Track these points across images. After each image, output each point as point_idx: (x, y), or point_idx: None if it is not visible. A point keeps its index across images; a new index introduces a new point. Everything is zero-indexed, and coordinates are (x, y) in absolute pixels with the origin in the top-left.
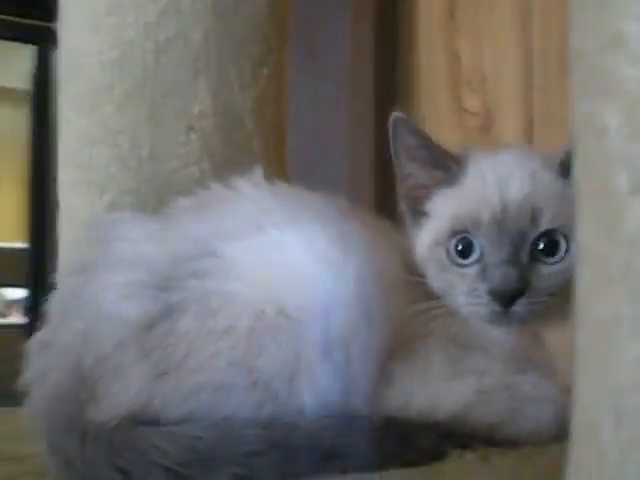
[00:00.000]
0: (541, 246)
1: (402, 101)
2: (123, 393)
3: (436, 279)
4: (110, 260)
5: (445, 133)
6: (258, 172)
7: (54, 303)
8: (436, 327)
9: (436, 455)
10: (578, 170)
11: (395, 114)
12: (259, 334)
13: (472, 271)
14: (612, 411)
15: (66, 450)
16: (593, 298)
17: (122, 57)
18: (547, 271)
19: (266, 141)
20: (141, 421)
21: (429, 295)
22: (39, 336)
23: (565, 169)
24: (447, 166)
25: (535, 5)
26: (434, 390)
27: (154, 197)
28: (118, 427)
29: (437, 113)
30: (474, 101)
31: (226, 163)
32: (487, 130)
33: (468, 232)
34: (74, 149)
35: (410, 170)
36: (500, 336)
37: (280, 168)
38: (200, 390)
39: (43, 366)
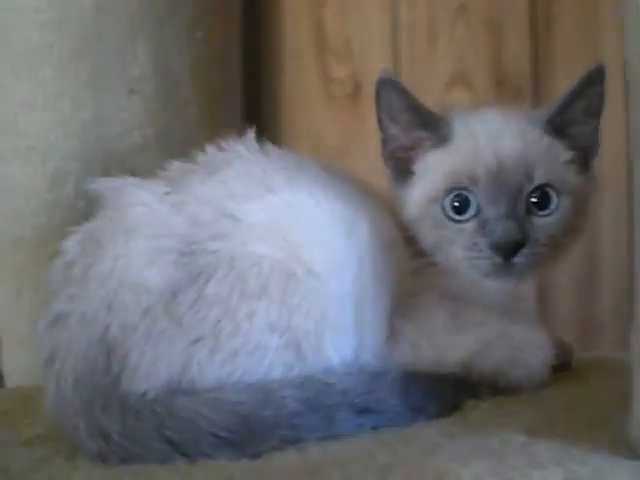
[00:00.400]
0: (535, 200)
1: (269, 70)
2: (158, 362)
3: (431, 235)
4: (126, 226)
5: (312, 102)
6: (251, 135)
7: (57, 272)
8: (432, 282)
9: (455, 406)
10: None
11: (381, 75)
12: (292, 295)
13: (470, 226)
14: None
15: (105, 426)
16: None
17: (61, 16)
18: (541, 223)
19: (202, 106)
20: (179, 389)
21: (420, 252)
22: (52, 308)
23: (551, 127)
24: (434, 126)
25: None
26: (441, 343)
27: (99, 163)
28: (157, 398)
29: (304, 82)
30: (341, 70)
31: (166, 128)
32: (354, 98)
33: (464, 189)
34: (12, 115)
35: (395, 132)
36: (492, 289)
37: (215, 133)
38: (236, 353)
39: (64, 339)
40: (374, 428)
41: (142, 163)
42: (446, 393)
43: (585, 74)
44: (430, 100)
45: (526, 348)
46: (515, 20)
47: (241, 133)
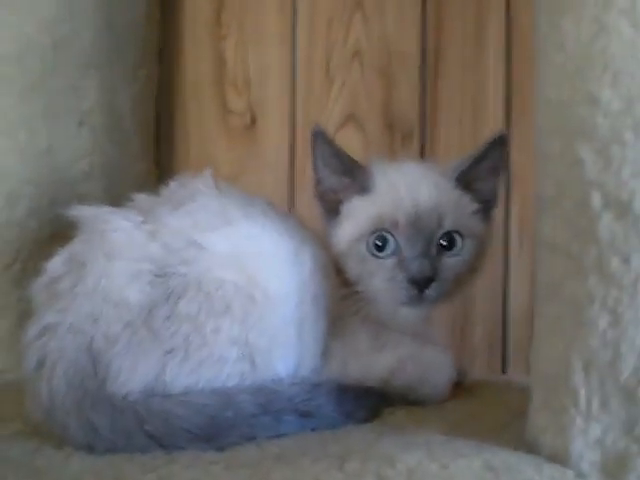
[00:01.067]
0: (444, 243)
1: (168, 101)
2: (136, 369)
3: (356, 268)
4: (108, 249)
5: (210, 132)
6: (208, 174)
7: (40, 288)
8: (356, 308)
9: (376, 413)
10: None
11: (315, 128)
12: (251, 315)
13: (390, 262)
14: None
15: (94, 422)
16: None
17: (22, 51)
18: (448, 262)
19: (141, 139)
20: (154, 393)
21: (346, 281)
22: (41, 319)
23: (460, 182)
24: (358, 175)
25: (300, 11)
26: (364, 361)
27: (51, 188)
28: (137, 399)
29: (202, 113)
30: (238, 102)
31: (110, 159)
32: (251, 129)
33: (385, 231)
34: None
35: (324, 175)
36: (406, 315)
37: (152, 165)
38: (202, 363)
39: (54, 347)
40: (313, 429)
41: (89, 189)
42: (370, 402)
43: (490, 140)
44: None
45: (432, 367)
46: (406, 69)
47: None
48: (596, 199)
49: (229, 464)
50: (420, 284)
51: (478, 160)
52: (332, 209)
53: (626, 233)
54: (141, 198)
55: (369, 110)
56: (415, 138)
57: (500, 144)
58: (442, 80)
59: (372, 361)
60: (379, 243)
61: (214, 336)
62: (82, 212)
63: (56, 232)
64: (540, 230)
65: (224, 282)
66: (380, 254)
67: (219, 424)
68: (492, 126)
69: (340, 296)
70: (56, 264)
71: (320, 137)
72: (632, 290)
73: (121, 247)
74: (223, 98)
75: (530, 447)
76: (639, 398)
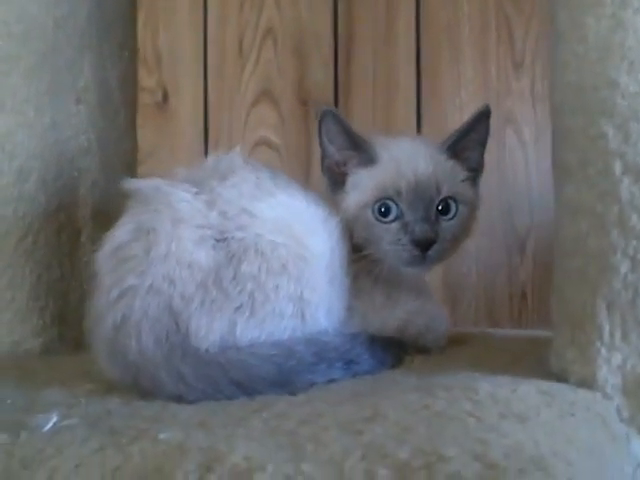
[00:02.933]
0: (440, 208)
1: None
2: (212, 325)
3: (363, 233)
4: (175, 217)
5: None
6: (237, 150)
7: (106, 255)
8: (367, 269)
9: (400, 360)
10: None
11: (324, 107)
12: (303, 273)
13: (394, 226)
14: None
15: (184, 373)
16: None
17: (27, 30)
18: (446, 225)
19: (127, 114)
20: (227, 346)
21: (355, 247)
22: (120, 282)
23: (451, 152)
24: (362, 149)
25: None
26: (381, 315)
27: (55, 163)
28: (217, 351)
29: None
30: (149, 79)
31: (104, 134)
32: (162, 107)
33: (389, 199)
34: None
35: (331, 151)
36: (410, 274)
37: (135, 140)
38: (265, 318)
39: (137, 306)
40: (354, 375)
41: (87, 164)
42: (395, 350)
43: (476, 112)
44: (237, 115)
45: (435, 318)
46: (319, 49)
47: None
48: (617, 166)
49: (332, 402)
50: (423, 245)
51: (466, 132)
52: (338, 181)
53: None
54: (183, 171)
55: (283, 87)
56: None
57: (485, 116)
58: (354, 58)
59: (388, 315)
60: (383, 209)
61: (275, 293)
62: (142, 185)
63: (62, 205)
64: (562, 193)
65: (277, 244)
66: (385, 219)
67: (287, 371)
68: (403, 103)
69: (354, 258)
70: (123, 232)
71: (329, 115)
72: None
73: (186, 215)
74: None
75: (559, 377)
76: None
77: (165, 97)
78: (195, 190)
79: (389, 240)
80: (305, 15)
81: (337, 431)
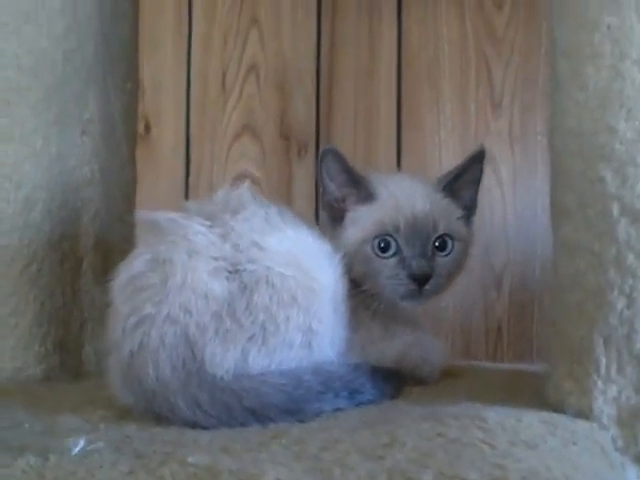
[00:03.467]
0: (437, 245)
1: None
2: (227, 354)
3: (362, 268)
4: (190, 249)
5: None
6: (245, 185)
7: (122, 284)
8: (366, 305)
9: (400, 391)
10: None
11: (326, 146)
12: (312, 304)
13: (392, 262)
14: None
15: (200, 399)
16: None
17: (37, 63)
18: (442, 261)
19: (129, 148)
20: (240, 374)
21: (353, 282)
22: (137, 311)
23: (446, 191)
24: (361, 186)
25: (196, 24)
26: (379, 347)
27: (59, 192)
28: (231, 379)
29: None
30: None
31: (107, 166)
32: (144, 138)
33: (387, 234)
34: None
35: (331, 188)
36: (407, 308)
37: (134, 171)
38: (276, 348)
39: (154, 334)
40: (358, 404)
41: (90, 194)
42: (395, 382)
43: (471, 155)
44: (219, 148)
45: (431, 351)
46: (302, 84)
47: None
48: (615, 208)
49: (346, 429)
50: (419, 280)
51: (462, 172)
52: (337, 217)
53: (639, 235)
54: (194, 205)
55: (265, 122)
56: (311, 149)
57: (479, 158)
58: (336, 94)
59: (385, 347)
60: (382, 245)
61: (285, 324)
62: (158, 217)
63: (66, 234)
64: (561, 232)
65: (286, 277)
66: (384, 255)
67: (296, 399)
68: (384, 139)
69: (353, 293)
70: (139, 262)
71: (331, 154)
72: None
73: (201, 247)
74: None
75: (556, 407)
76: None
77: (147, 128)
78: (209, 223)
79: (387, 275)
80: (288, 51)
81: (359, 456)
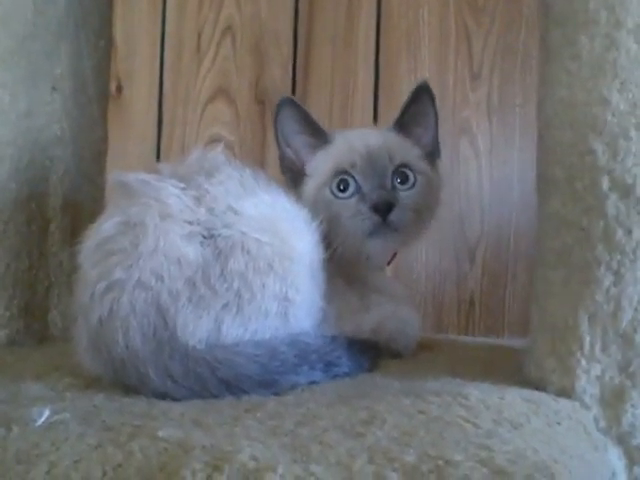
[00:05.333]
0: (399, 180)
1: None
2: (200, 322)
3: (324, 214)
4: (164, 212)
5: None
6: (220, 148)
7: (91, 247)
8: (338, 271)
9: (376, 364)
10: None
11: (283, 96)
12: (289, 273)
13: (353, 200)
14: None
15: (172, 370)
16: None
17: (7, 13)
18: (405, 194)
19: (100, 107)
20: (213, 344)
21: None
22: (106, 275)
23: (398, 128)
24: (321, 135)
25: None
26: (355, 319)
27: (29, 151)
28: (204, 349)
29: None
30: None
31: (77, 124)
32: (116, 99)
33: (344, 172)
34: None
35: (292, 142)
36: (375, 247)
37: (105, 131)
38: (251, 317)
39: (124, 301)
40: (333, 377)
41: (60, 153)
42: (371, 354)
43: (413, 88)
44: (192, 111)
45: (407, 323)
46: (278, 48)
47: None
48: (605, 182)
49: (323, 404)
50: (381, 210)
51: (406, 107)
52: (298, 179)
53: (629, 210)
54: (167, 167)
55: (240, 85)
56: None
57: (423, 91)
58: (313, 59)
59: (361, 319)
60: (342, 186)
61: (261, 292)
62: (130, 178)
63: (33, 194)
64: (547, 206)
65: (262, 243)
66: (344, 195)
67: (271, 371)
68: (360, 106)
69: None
70: (110, 225)
71: (289, 105)
72: (632, 256)
73: (175, 210)
74: None
75: (537, 385)
76: (635, 343)
77: (119, 89)
78: (182, 185)
79: (349, 214)
80: (265, 14)
81: (338, 433)
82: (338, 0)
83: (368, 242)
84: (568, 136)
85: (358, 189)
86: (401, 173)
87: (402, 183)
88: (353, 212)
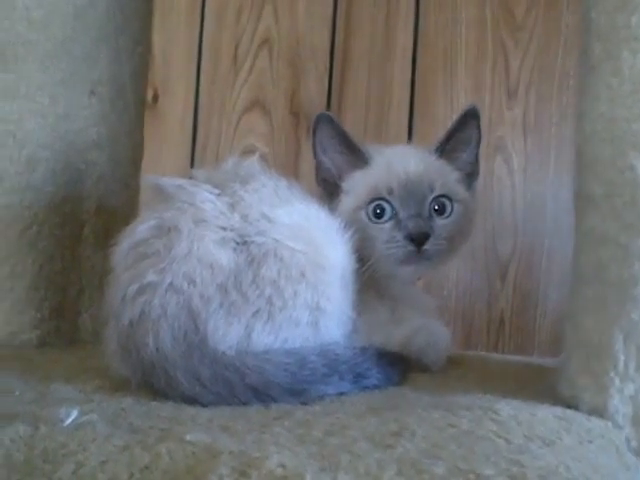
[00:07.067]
0: (436, 207)
1: None
2: (230, 328)
3: (359, 233)
4: (198, 217)
5: None
6: (255, 157)
7: (124, 250)
8: (368, 284)
9: (405, 378)
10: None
11: (321, 113)
12: (321, 281)
13: (388, 226)
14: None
15: (201, 374)
16: None
17: (47, 17)
18: (441, 223)
19: (137, 112)
20: (244, 351)
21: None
22: (139, 278)
23: (440, 153)
24: (355, 152)
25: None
26: (385, 331)
27: (64, 153)
28: (234, 355)
29: None
30: None
31: (114, 129)
32: (152, 107)
33: (381, 198)
34: None
35: (329, 156)
36: (406, 274)
37: (142, 137)
38: (282, 325)
39: (156, 304)
40: (362, 389)
41: (96, 157)
42: (401, 367)
43: (461, 113)
44: (227, 121)
45: (437, 337)
46: (315, 61)
47: None
48: None
49: (352, 414)
50: (417, 240)
51: (452, 132)
52: (333, 192)
53: None
54: (203, 173)
55: (275, 97)
56: None
57: (471, 116)
58: (349, 73)
59: (392, 331)
60: (378, 211)
61: (292, 300)
62: (166, 182)
63: (68, 197)
64: (585, 222)
65: (295, 251)
66: (379, 220)
67: (300, 380)
68: (395, 124)
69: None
70: (144, 228)
71: (326, 121)
72: None
73: (209, 215)
74: None
75: (568, 403)
76: None
77: (155, 97)
78: (217, 191)
79: (384, 239)
80: (302, 27)
81: (367, 444)
82: (376, 16)
83: (399, 268)
84: (607, 152)
85: (394, 214)
86: (439, 203)
87: (439, 213)
88: (387, 238)
